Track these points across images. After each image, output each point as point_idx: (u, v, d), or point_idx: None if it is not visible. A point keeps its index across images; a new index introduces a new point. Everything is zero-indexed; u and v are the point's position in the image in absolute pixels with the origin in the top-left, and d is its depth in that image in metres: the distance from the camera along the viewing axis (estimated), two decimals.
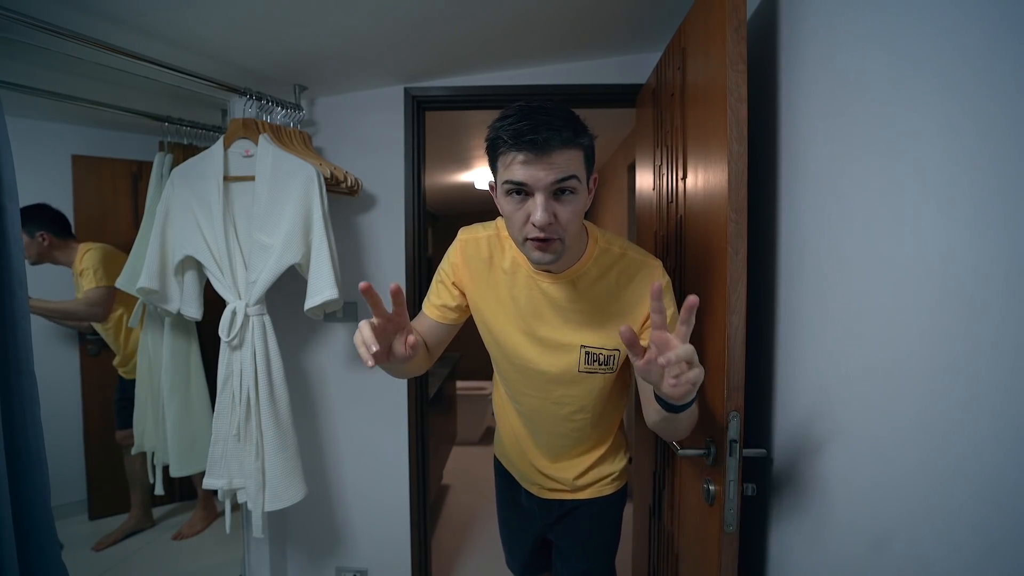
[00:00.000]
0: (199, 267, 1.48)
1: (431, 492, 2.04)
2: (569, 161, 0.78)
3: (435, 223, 5.41)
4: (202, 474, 1.49)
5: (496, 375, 1.13)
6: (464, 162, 3.32)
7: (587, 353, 0.95)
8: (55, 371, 2.37)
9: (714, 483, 0.92)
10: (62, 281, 2.17)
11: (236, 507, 1.52)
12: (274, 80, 1.58)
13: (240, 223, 1.45)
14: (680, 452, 1.00)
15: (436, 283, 1.03)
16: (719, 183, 0.91)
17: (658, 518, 1.37)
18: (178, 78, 1.31)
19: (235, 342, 1.41)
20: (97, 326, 2.17)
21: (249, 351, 1.42)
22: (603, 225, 2.50)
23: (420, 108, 1.75)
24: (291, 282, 1.51)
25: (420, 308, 1.05)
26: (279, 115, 1.57)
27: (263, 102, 1.51)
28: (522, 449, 1.14)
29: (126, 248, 1.87)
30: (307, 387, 1.80)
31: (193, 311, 1.50)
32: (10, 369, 0.96)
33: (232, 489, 1.44)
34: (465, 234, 1.01)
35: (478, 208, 4.72)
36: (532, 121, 0.75)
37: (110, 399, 2.32)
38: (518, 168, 0.77)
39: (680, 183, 1.17)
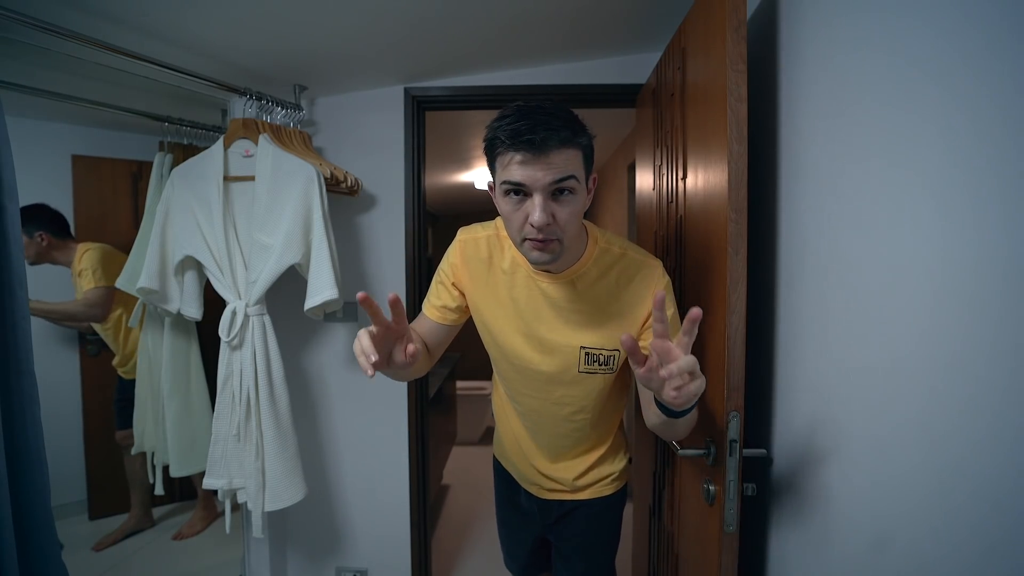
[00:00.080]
0: (199, 267, 1.48)
1: (431, 492, 2.04)
2: (567, 161, 0.77)
3: (435, 223, 5.41)
4: (202, 474, 1.49)
5: (496, 375, 1.12)
6: (464, 162, 3.32)
7: (587, 354, 0.95)
8: (55, 371, 2.37)
9: (714, 483, 0.92)
10: (61, 281, 2.17)
11: (236, 507, 1.52)
12: (274, 80, 1.58)
13: (240, 223, 1.45)
14: (680, 452, 1.00)
15: (436, 284, 1.03)
16: (719, 183, 0.91)
17: (658, 518, 1.37)
18: (178, 78, 1.31)
19: (235, 342, 1.41)
20: (97, 326, 2.17)
21: (249, 351, 1.42)
22: (603, 225, 2.50)
23: (420, 108, 1.75)
24: (291, 282, 1.51)
25: (420, 309, 1.05)
26: (279, 115, 1.57)
27: (263, 102, 1.51)
28: (522, 449, 1.13)
29: (126, 248, 1.87)
30: (307, 387, 1.80)
31: (193, 311, 1.50)
32: (10, 369, 0.96)
33: (232, 489, 1.44)
34: (464, 234, 1.01)
35: (478, 208, 4.72)
36: (530, 121, 0.75)
37: (110, 399, 2.31)
38: (516, 168, 0.77)
39: (680, 183, 1.17)
